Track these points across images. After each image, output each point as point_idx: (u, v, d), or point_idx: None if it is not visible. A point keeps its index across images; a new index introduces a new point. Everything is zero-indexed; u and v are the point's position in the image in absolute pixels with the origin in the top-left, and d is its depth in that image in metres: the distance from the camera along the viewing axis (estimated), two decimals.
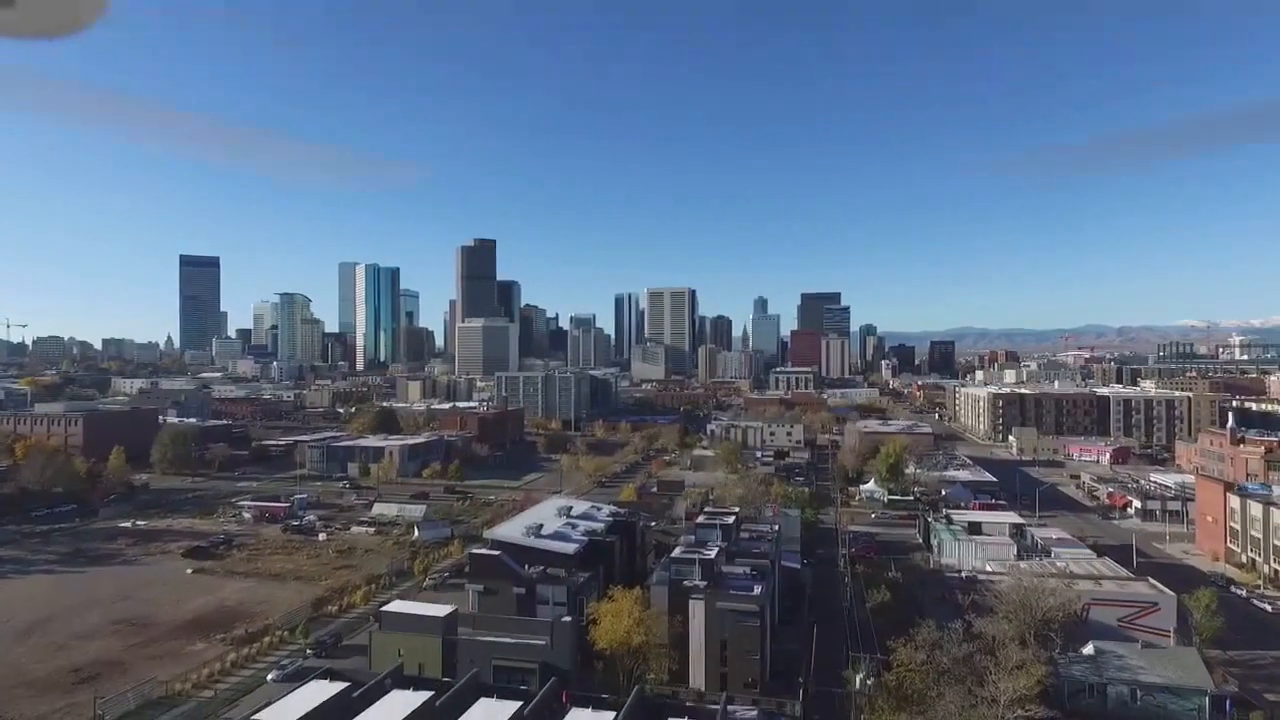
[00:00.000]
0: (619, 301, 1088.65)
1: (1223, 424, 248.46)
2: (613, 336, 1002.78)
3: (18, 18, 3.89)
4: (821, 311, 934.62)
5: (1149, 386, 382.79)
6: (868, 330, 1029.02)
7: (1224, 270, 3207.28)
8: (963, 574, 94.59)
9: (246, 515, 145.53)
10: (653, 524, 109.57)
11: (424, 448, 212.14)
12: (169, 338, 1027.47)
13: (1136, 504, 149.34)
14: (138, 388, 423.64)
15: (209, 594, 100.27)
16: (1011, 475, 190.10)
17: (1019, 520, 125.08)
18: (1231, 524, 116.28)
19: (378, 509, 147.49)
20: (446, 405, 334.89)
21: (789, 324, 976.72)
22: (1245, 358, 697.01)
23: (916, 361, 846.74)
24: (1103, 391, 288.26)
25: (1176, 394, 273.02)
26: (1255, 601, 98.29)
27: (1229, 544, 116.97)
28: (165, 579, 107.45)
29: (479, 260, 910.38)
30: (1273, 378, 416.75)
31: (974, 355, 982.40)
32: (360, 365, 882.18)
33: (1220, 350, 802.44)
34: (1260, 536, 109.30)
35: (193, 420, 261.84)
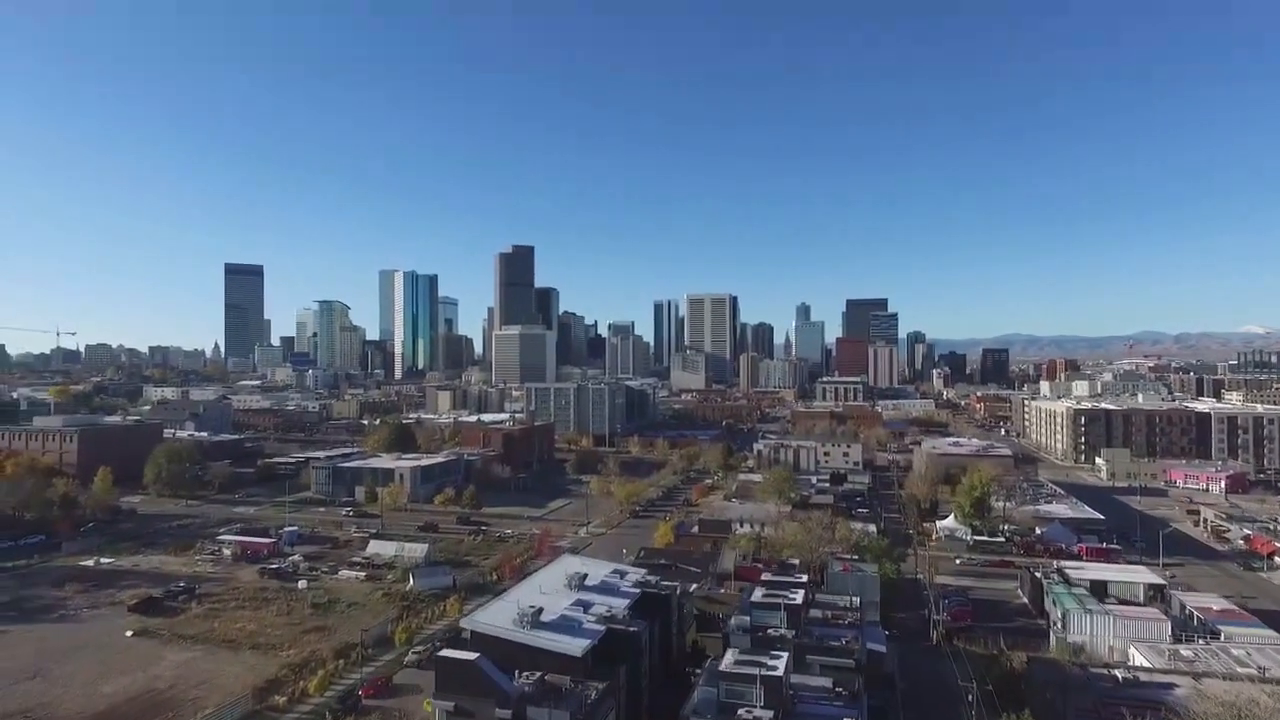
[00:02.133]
0: (658, 308, 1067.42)
1: None
2: (652, 344, 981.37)
3: None
4: (868, 318, 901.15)
5: (1235, 399, 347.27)
6: (916, 337, 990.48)
7: None
8: (1115, 671, 69.57)
9: (226, 552, 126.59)
10: (693, 588, 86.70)
11: (440, 468, 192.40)
12: (215, 345, 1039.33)
13: None
14: (161, 396, 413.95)
15: (140, 669, 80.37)
16: (1108, 506, 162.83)
17: (1156, 580, 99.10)
18: None
19: (373, 547, 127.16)
20: (473, 418, 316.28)
21: (833, 331, 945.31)
22: None
23: (968, 370, 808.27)
24: (1200, 408, 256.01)
25: None
26: None
27: None
28: (99, 643, 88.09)
29: (517, 267, 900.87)
30: None
31: (1027, 363, 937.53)
32: (398, 373, 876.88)
33: None
34: None
35: (203, 434, 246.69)
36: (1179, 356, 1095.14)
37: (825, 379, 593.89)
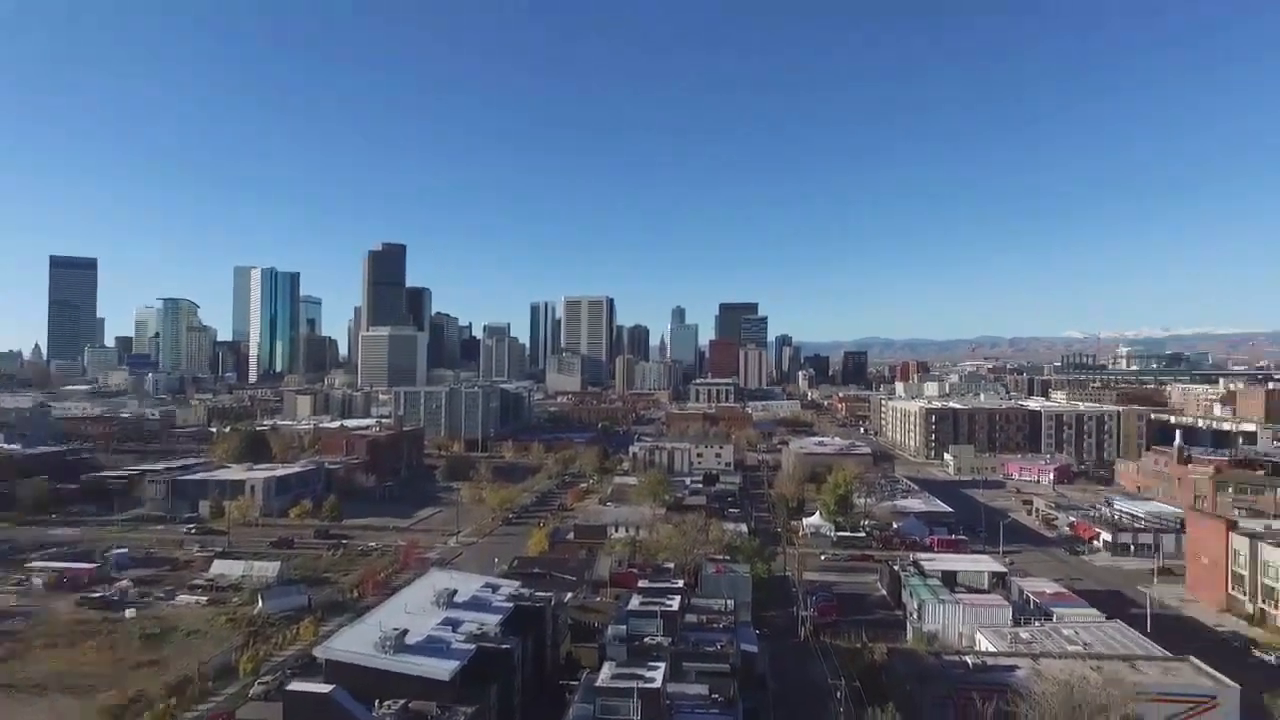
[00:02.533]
0: (535, 310, 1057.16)
1: (1150, 440, 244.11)
2: (528, 346, 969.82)
3: None
4: (739, 321, 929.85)
5: (1060, 398, 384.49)
6: (784, 340, 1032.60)
7: (1101, 284, 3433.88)
8: (965, 658, 73.75)
9: (37, 581, 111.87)
10: (569, 597, 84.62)
11: (297, 479, 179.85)
12: (35, 346, 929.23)
13: (1106, 536, 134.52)
14: None
15: None
16: (956, 499, 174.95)
17: (999, 568, 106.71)
18: (1235, 568, 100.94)
19: (218, 567, 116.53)
20: (336, 424, 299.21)
21: (707, 334, 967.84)
22: (1135, 368, 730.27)
23: (830, 372, 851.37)
24: (1033, 406, 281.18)
25: (1106, 408, 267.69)
26: None
27: (1231, 591, 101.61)
28: None
29: (387, 265, 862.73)
30: (1171, 389, 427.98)
31: (883, 365, 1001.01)
32: (253, 377, 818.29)
33: (1114, 360, 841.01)
34: (1276, 585, 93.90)
35: (15, 446, 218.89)
36: (1013, 359, 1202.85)
37: (699, 381, 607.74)
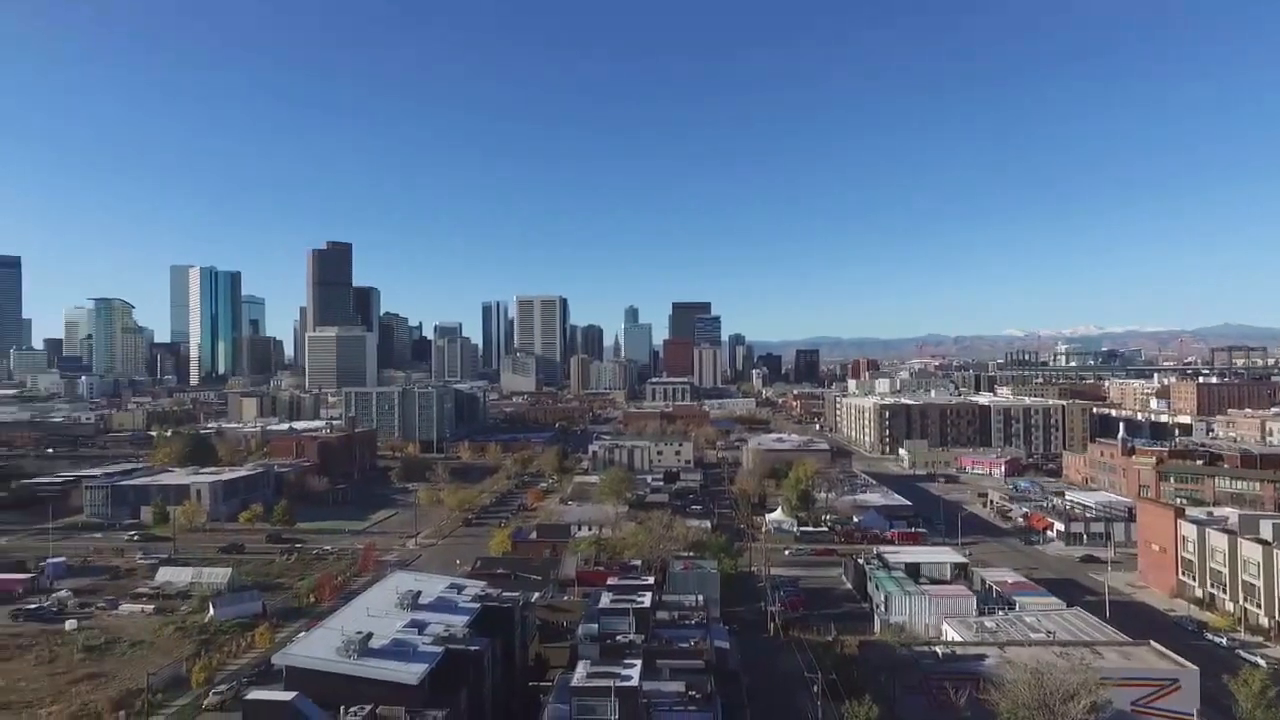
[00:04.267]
0: (487, 310, 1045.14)
1: (1095, 433, 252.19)
2: (480, 347, 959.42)
3: None
4: (693, 321, 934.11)
5: (1006, 393, 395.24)
6: (737, 339, 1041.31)
7: (1037, 285, 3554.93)
8: (935, 648, 74.30)
9: None
10: (535, 596, 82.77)
11: (245, 482, 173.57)
12: None
13: (1059, 526, 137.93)
14: None
15: None
16: (912, 493, 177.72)
17: (960, 559, 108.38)
18: (1184, 554, 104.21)
19: (164, 574, 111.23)
20: (284, 426, 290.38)
21: (660, 333, 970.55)
22: (1073, 364, 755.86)
23: (783, 370, 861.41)
24: (983, 401, 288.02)
25: (1051, 402, 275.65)
26: (1243, 653, 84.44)
27: (1181, 576, 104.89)
28: None
29: (333, 265, 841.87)
30: (1109, 384, 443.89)
31: (834, 363, 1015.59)
32: (195, 380, 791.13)
33: (1053, 357, 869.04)
34: (1223, 570, 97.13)
35: None
36: (958, 356, 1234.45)
37: (654, 380, 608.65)
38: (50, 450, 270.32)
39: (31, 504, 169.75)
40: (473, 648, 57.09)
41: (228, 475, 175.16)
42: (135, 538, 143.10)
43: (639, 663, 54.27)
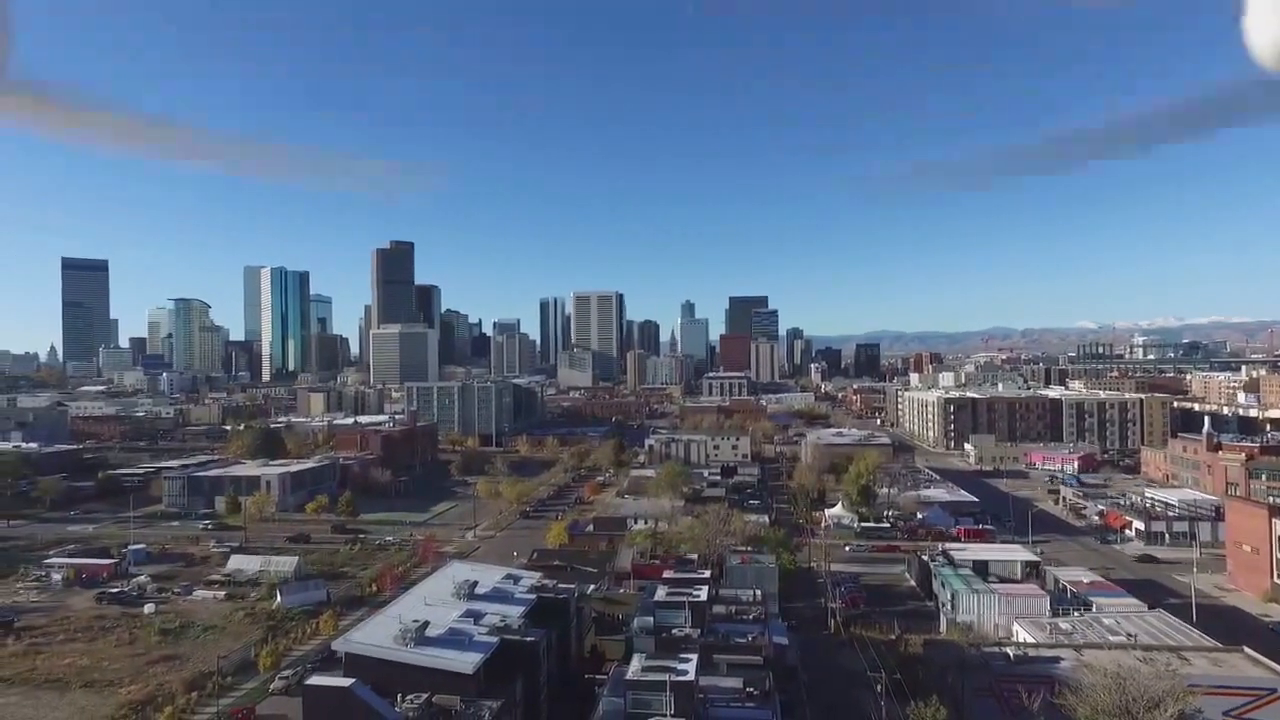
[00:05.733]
0: (544, 306, 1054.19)
1: (1175, 428, 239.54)
2: (538, 343, 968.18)
3: None
4: (750, 315, 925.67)
5: (1078, 387, 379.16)
6: (794, 333, 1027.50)
7: (1113, 274, 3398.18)
8: (1006, 649, 71.05)
9: (56, 576, 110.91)
10: (591, 589, 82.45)
11: (312, 474, 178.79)
12: (51, 348, 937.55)
13: (1139, 525, 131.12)
14: None
15: None
16: (979, 489, 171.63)
17: (1031, 557, 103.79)
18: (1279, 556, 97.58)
19: (235, 562, 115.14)
20: (349, 421, 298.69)
21: (717, 328, 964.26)
22: (1152, 357, 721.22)
23: (843, 365, 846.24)
24: (1053, 395, 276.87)
25: (1128, 396, 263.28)
26: None
27: (1276, 580, 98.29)
28: None
29: (396, 264, 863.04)
30: (1191, 377, 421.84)
31: (895, 357, 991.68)
32: (266, 376, 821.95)
33: (1130, 350, 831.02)
34: None
35: (33, 445, 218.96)
36: (1026, 350, 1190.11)
37: (710, 374, 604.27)
38: (134, 443, 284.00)
39: (116, 493, 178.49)
40: (528, 638, 57.00)
41: (295, 467, 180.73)
42: (209, 527, 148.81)
43: (695, 657, 53.14)
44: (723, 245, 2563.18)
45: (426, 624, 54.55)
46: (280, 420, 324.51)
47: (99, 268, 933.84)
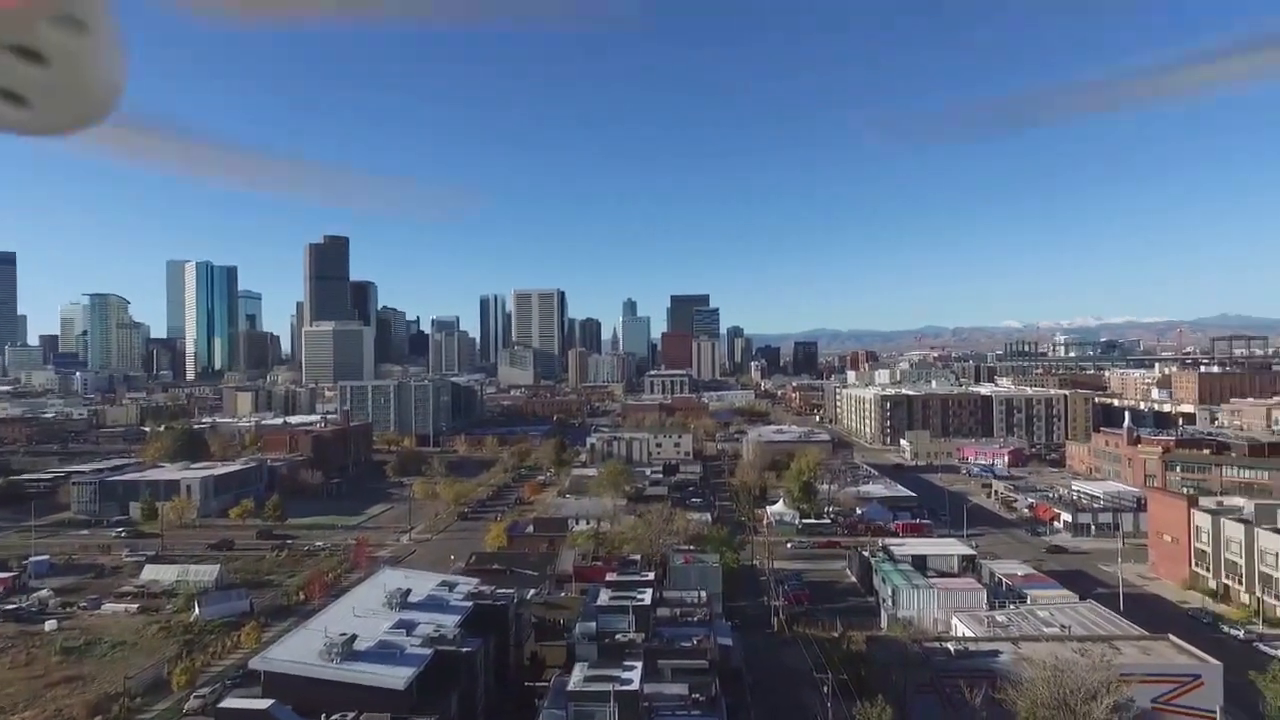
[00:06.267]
0: (484, 303, 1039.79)
1: (1097, 423, 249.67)
2: (478, 340, 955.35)
3: (33, 117, 3.95)
4: (691, 314, 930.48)
5: (1006, 383, 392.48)
6: (735, 332, 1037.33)
7: (1036, 276, 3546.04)
8: (947, 645, 71.51)
9: None
10: (531, 593, 79.79)
11: (237, 477, 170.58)
12: None
13: (1066, 517, 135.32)
14: None
15: None
16: (915, 484, 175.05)
17: (968, 551, 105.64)
18: (1198, 545, 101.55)
19: (149, 572, 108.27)
20: (279, 421, 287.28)
21: (658, 326, 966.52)
22: (1073, 355, 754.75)
23: (781, 362, 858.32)
24: (984, 391, 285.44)
25: (1053, 392, 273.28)
26: (1261, 646, 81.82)
27: (1195, 568, 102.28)
28: None
29: (330, 259, 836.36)
30: (1109, 374, 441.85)
31: (832, 356, 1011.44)
32: (191, 375, 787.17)
33: (1052, 348, 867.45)
34: (1239, 560, 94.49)
35: None
36: (956, 348, 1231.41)
37: (652, 372, 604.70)
38: (41, 446, 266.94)
39: (18, 501, 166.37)
40: (464, 649, 54.22)
41: (219, 470, 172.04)
42: (122, 534, 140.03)
43: (639, 664, 51.38)
44: (664, 244, 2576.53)
45: (354, 637, 51.27)
46: (204, 421, 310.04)
47: (5, 260, 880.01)
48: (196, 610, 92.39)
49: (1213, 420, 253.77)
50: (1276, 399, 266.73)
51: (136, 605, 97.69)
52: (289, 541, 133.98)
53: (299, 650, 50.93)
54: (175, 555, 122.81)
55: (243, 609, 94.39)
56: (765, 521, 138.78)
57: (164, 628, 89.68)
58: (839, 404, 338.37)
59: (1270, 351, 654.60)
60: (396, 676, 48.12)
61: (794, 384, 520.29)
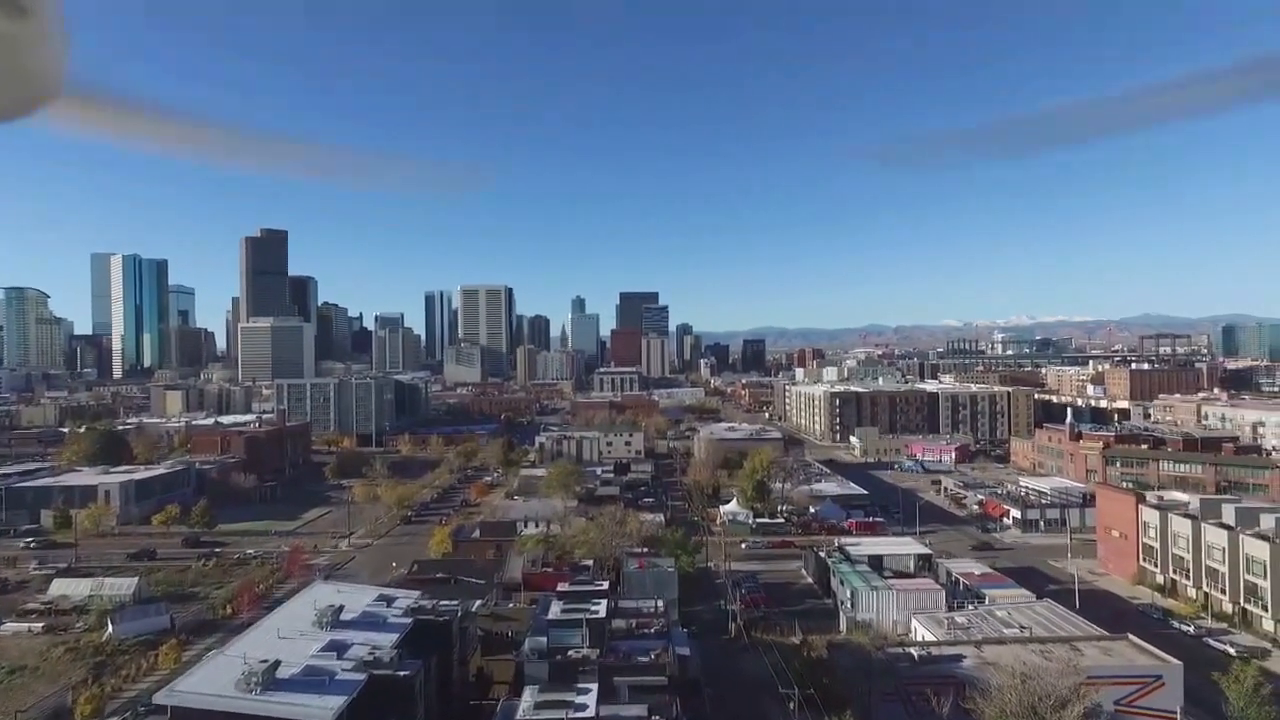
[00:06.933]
0: (430, 300, 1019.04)
1: (1037, 419, 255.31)
2: (423, 338, 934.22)
3: None
4: (640, 311, 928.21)
5: (949, 380, 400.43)
6: (684, 329, 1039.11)
7: (973, 276, 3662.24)
8: (910, 650, 69.46)
9: None
10: (477, 605, 74.93)
11: (162, 482, 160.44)
12: None
13: (1015, 513, 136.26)
14: None
15: None
16: (866, 481, 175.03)
17: (924, 550, 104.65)
18: (1146, 540, 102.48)
19: (58, 587, 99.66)
20: (210, 421, 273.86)
21: (608, 323, 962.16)
22: (1010, 353, 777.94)
23: (730, 360, 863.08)
24: (931, 388, 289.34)
25: (996, 389, 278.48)
26: (1211, 642, 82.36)
27: (1143, 563, 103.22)
28: None
29: (267, 253, 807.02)
30: (1046, 371, 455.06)
31: (780, 353, 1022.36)
32: (118, 373, 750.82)
33: (990, 346, 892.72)
34: (1186, 555, 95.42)
35: None
36: (899, 346, 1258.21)
37: (602, 370, 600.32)
38: None
39: None
40: (402, 672, 49.43)
41: (142, 474, 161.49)
42: (31, 545, 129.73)
43: (595, 685, 47.54)
44: (613, 241, 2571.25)
45: (278, 663, 46.13)
46: (130, 422, 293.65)
47: None
48: (109, 628, 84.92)
49: (1146, 416, 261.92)
50: (1202, 395, 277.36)
51: (42, 624, 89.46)
52: (218, 550, 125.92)
53: (214, 680, 45.49)
54: (90, 567, 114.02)
55: (162, 625, 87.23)
56: (719, 521, 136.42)
57: (71, 649, 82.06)
58: (788, 401, 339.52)
59: (1191, 350, 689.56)
60: (324, 708, 43.23)
61: (743, 381, 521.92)
